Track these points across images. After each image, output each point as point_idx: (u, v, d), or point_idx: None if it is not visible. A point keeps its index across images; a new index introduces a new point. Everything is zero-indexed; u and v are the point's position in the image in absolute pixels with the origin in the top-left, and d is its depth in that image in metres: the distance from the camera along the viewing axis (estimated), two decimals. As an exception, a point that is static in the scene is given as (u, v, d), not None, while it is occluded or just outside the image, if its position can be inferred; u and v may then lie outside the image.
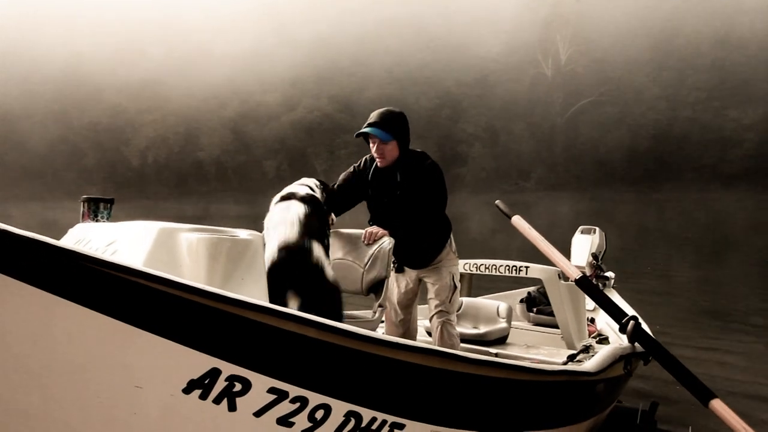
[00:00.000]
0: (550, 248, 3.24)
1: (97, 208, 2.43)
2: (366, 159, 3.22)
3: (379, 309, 2.89)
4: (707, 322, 7.11)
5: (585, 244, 5.32)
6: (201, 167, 46.52)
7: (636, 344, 2.86)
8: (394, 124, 2.97)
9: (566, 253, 4.22)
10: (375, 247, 2.95)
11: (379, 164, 3.08)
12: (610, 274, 5.23)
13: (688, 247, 16.43)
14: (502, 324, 4.08)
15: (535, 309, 4.92)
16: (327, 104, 46.45)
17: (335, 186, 3.17)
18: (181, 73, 47.65)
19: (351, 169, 3.24)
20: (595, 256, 5.19)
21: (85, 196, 2.46)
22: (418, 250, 3.28)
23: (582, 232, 5.46)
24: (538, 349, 3.92)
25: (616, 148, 39.88)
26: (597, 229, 5.42)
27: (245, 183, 44.43)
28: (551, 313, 4.43)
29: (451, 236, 3.39)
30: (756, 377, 4.79)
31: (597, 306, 5.05)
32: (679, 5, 42.10)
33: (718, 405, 2.43)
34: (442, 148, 43.65)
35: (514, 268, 4.23)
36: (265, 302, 1.56)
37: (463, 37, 45.79)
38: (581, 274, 3.05)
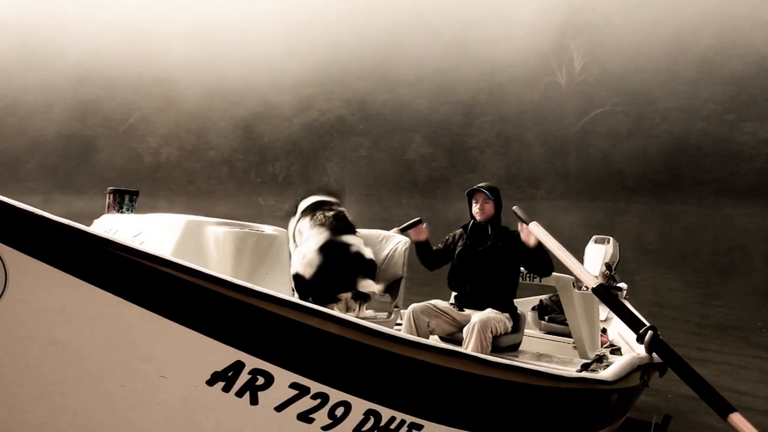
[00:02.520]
0: (567, 256, 3.21)
1: (122, 200, 2.46)
2: (455, 233, 3.98)
3: (395, 310, 2.89)
4: (716, 335, 7.03)
5: (598, 254, 5.28)
6: (212, 166, 46.72)
7: (653, 355, 2.83)
8: (495, 191, 3.94)
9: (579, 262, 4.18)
10: (390, 246, 2.98)
11: (477, 218, 3.86)
12: (622, 285, 5.18)
13: (697, 259, 16.28)
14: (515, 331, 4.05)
15: (546, 317, 4.88)
16: (340, 107, 46.53)
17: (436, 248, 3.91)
18: (195, 72, 47.96)
19: (446, 238, 4.02)
20: (608, 266, 5.14)
21: (111, 188, 2.49)
22: (482, 292, 3.67)
23: (596, 242, 5.42)
24: (550, 358, 3.89)
25: (628, 158, 39.59)
26: (611, 239, 5.38)
27: (254, 183, 44.56)
28: (563, 322, 4.39)
29: (518, 325, 3.78)
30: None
31: (609, 317, 5.05)
32: (695, 17, 41.81)
33: (737, 419, 2.39)
34: (452, 154, 43.61)
35: (528, 275, 4.20)
36: (290, 297, 1.56)
37: (478, 43, 45.75)
38: (599, 283, 3.03)
